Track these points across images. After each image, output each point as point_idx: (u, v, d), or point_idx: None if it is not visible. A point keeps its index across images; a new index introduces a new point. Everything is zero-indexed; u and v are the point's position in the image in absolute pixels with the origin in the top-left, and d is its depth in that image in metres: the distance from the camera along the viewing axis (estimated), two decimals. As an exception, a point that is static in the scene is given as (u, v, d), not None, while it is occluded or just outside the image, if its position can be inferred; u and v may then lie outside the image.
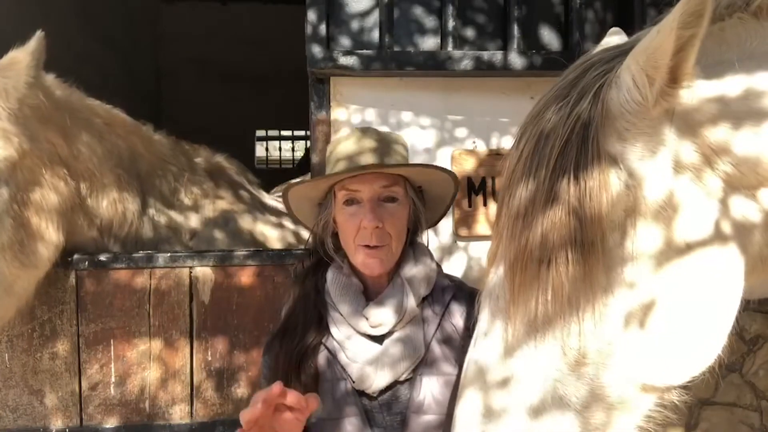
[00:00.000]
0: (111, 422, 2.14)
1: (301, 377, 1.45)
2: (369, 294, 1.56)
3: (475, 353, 1.19)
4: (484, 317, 1.21)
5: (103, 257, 2.14)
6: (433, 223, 1.75)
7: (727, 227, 1.10)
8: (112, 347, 2.14)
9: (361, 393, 1.46)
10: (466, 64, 2.34)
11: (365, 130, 1.65)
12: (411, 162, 1.86)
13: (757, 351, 2.59)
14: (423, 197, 1.64)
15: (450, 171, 1.63)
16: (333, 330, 1.53)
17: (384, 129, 2.36)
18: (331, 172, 1.61)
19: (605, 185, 1.06)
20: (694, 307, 1.10)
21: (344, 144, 1.60)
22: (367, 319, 1.49)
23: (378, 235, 1.48)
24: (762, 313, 2.59)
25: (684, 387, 1.24)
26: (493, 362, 1.14)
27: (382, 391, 1.46)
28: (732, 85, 1.09)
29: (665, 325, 1.09)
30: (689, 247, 1.09)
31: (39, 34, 1.90)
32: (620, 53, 1.12)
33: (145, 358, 2.15)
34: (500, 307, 1.17)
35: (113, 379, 2.14)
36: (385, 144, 1.60)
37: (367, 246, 1.50)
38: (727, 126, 1.08)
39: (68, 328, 2.11)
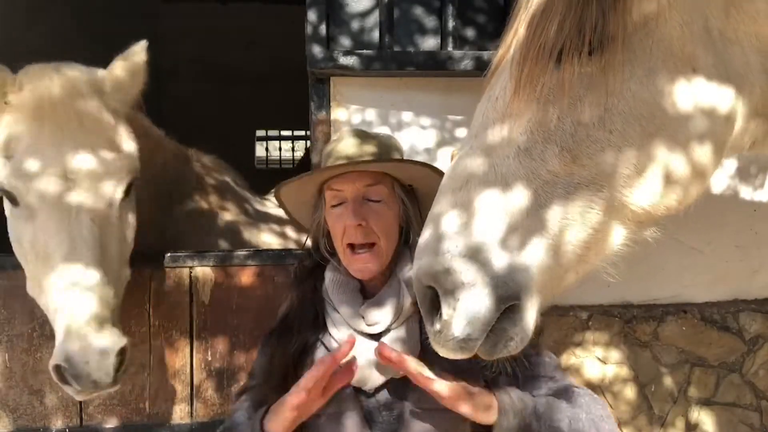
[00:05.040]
0: (111, 422, 2.14)
1: (297, 375, 1.46)
2: (366, 293, 1.57)
3: (463, 153, 1.14)
4: (476, 118, 1.17)
5: (103, 257, 2.14)
6: None
7: (733, 65, 1.09)
8: (112, 347, 2.13)
9: (359, 391, 1.47)
10: (467, 64, 2.34)
11: (361, 134, 1.65)
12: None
13: (757, 351, 2.59)
14: (416, 196, 1.64)
15: (431, 165, 1.62)
16: (332, 329, 1.54)
17: (384, 129, 2.38)
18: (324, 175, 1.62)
19: None
20: (690, 135, 1.08)
21: (340, 146, 1.61)
22: (363, 317, 1.50)
23: (362, 233, 1.50)
24: (762, 313, 2.59)
25: (659, 225, 1.20)
26: (482, 161, 1.09)
27: (379, 389, 1.47)
28: None
29: (662, 149, 1.07)
30: (697, 70, 1.06)
31: (142, 44, 1.99)
32: None
33: (146, 358, 2.15)
34: (498, 108, 1.13)
35: (113, 379, 2.14)
36: (380, 147, 1.60)
37: (352, 245, 1.51)
38: None
39: (68, 328, 2.11)
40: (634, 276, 2.43)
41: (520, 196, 1.05)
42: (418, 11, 2.43)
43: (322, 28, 2.33)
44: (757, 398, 2.60)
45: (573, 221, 1.06)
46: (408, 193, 1.62)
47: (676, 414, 2.56)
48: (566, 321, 2.48)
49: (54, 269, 1.64)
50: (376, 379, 1.45)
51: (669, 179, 1.09)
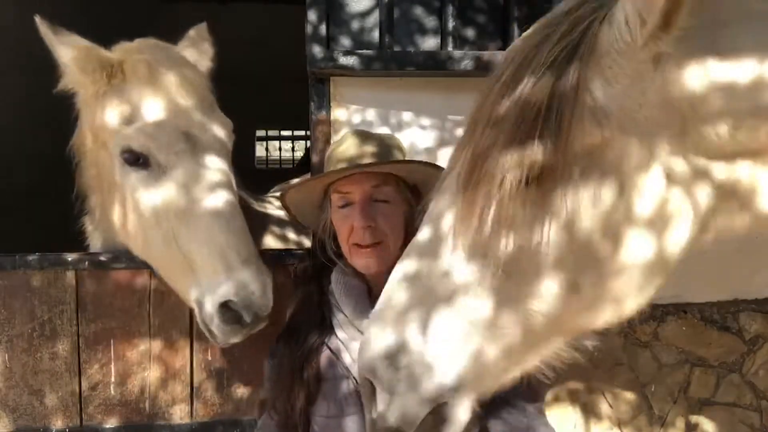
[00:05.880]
0: (111, 422, 2.14)
1: (304, 378, 1.46)
2: (373, 295, 1.56)
3: (406, 268, 1.19)
4: (423, 234, 1.20)
5: (103, 257, 2.14)
6: None
7: (679, 191, 1.09)
8: (112, 347, 2.14)
9: None
10: (467, 64, 2.34)
11: (364, 135, 1.65)
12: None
13: (757, 351, 2.59)
14: (420, 196, 1.64)
15: (436, 165, 1.63)
16: (337, 331, 1.54)
17: (384, 129, 2.38)
18: (327, 169, 1.62)
19: (579, 117, 1.05)
20: (629, 264, 1.09)
21: (342, 148, 1.61)
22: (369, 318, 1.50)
23: (370, 234, 1.50)
24: (762, 313, 2.59)
25: (599, 334, 1.23)
26: (422, 272, 1.14)
27: None
28: (721, 49, 1.06)
29: (596, 269, 1.08)
30: (642, 202, 1.07)
31: (204, 25, 2.29)
32: None
33: (146, 358, 2.15)
34: (442, 224, 1.16)
35: (113, 379, 2.14)
36: (383, 148, 1.60)
37: (359, 245, 1.51)
38: (709, 90, 1.05)
39: (68, 328, 2.11)
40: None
41: (456, 307, 1.11)
42: (418, 11, 2.43)
43: (322, 28, 2.33)
44: (757, 398, 2.61)
45: (507, 332, 1.11)
46: (413, 194, 1.62)
47: (676, 414, 2.56)
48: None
49: (199, 219, 1.73)
50: None
51: (603, 301, 1.12)
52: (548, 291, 1.09)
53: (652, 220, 1.09)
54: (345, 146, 1.62)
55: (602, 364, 2.52)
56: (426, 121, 2.45)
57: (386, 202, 1.55)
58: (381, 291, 1.56)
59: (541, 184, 1.06)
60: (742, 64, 1.04)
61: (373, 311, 1.20)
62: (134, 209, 1.85)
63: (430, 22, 2.43)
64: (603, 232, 1.07)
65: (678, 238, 1.12)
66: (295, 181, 3.86)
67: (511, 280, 1.09)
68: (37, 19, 1.91)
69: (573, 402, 2.53)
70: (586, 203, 1.07)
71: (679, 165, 1.08)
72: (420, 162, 1.65)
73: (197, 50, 2.20)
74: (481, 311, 1.10)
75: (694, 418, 2.57)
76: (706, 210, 1.12)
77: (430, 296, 1.13)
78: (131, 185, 1.84)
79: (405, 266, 1.19)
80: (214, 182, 1.81)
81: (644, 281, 1.13)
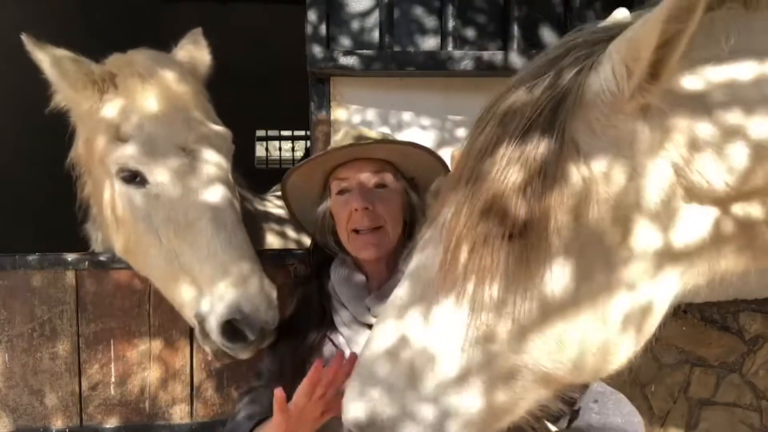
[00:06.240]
0: (111, 422, 2.14)
1: (305, 373, 1.46)
2: (372, 288, 1.58)
3: (390, 307, 1.15)
4: (408, 274, 1.17)
5: (103, 257, 2.14)
6: None
7: (674, 243, 1.06)
8: (112, 347, 2.14)
9: None
10: (467, 64, 2.34)
11: (361, 132, 1.68)
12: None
13: (757, 351, 2.59)
14: (418, 189, 1.66)
15: (434, 153, 1.65)
16: (339, 324, 1.56)
17: (384, 129, 2.38)
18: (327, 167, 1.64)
19: (563, 174, 1.01)
20: (618, 310, 1.07)
21: (340, 137, 1.65)
22: (369, 309, 1.52)
23: (369, 217, 1.51)
24: (762, 313, 2.59)
25: (584, 385, 1.23)
26: (408, 325, 1.11)
27: None
28: (712, 88, 1.02)
29: (581, 326, 1.06)
30: (634, 256, 1.04)
31: (199, 30, 2.22)
32: (606, 38, 1.06)
33: (146, 358, 2.15)
34: (425, 276, 1.13)
35: (113, 379, 2.14)
36: (381, 137, 1.64)
37: (358, 231, 1.52)
38: (703, 136, 1.01)
39: (68, 328, 2.11)
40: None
41: (437, 364, 1.07)
42: (418, 11, 2.43)
43: (322, 28, 2.33)
44: (757, 398, 2.60)
45: (496, 387, 1.08)
46: (411, 185, 1.64)
47: (676, 414, 2.56)
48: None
49: (201, 235, 1.70)
50: None
51: (593, 356, 1.10)
52: (534, 342, 1.07)
53: (641, 290, 1.08)
54: (342, 136, 1.66)
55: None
56: (426, 121, 2.45)
57: (384, 188, 1.57)
58: (378, 280, 1.58)
59: (523, 240, 1.03)
60: (729, 120, 1.01)
61: (360, 359, 1.17)
62: (133, 227, 1.81)
63: (430, 22, 2.43)
64: (594, 313, 1.05)
65: (658, 313, 1.15)
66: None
67: (497, 337, 1.06)
68: (24, 37, 1.86)
69: (573, 402, 2.53)
70: (566, 272, 1.03)
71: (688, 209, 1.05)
72: (418, 146, 1.66)
73: (192, 57, 2.15)
74: (468, 368, 1.07)
75: (694, 418, 2.56)
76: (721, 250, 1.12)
77: (414, 354, 1.09)
78: (129, 203, 1.80)
79: (389, 320, 1.14)
80: (213, 197, 1.77)
81: (632, 339, 1.13)
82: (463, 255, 1.06)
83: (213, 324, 1.66)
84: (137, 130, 1.79)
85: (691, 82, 1.02)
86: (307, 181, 1.69)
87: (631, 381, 2.53)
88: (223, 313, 1.63)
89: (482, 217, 1.04)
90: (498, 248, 1.03)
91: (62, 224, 2.42)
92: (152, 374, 2.16)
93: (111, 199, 1.88)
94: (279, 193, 3.41)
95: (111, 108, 1.85)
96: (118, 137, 1.80)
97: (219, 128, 1.97)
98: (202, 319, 1.69)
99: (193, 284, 1.71)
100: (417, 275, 1.15)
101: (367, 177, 1.57)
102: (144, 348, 2.15)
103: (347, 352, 1.52)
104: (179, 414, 2.17)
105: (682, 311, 2.55)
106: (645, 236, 1.04)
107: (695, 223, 1.06)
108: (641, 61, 0.94)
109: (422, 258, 1.16)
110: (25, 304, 2.10)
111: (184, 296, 1.76)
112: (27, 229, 3.86)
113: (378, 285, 1.57)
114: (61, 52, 1.89)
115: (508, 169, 1.02)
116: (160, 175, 1.76)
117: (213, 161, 1.87)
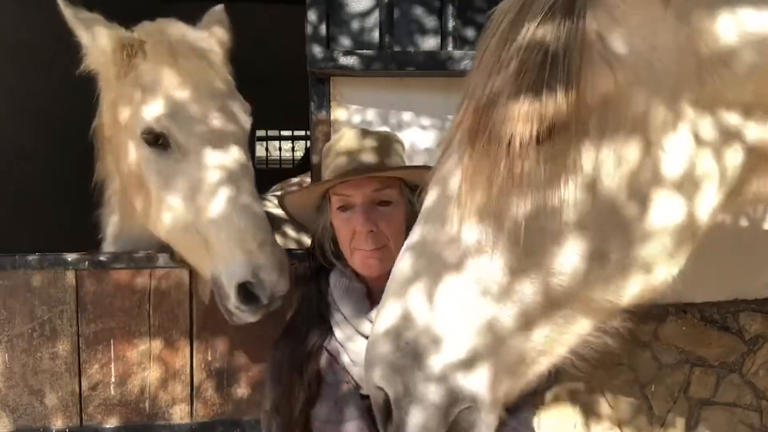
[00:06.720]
0: (111, 422, 2.14)
1: (303, 380, 1.45)
2: (373, 297, 1.55)
3: (414, 238, 1.09)
4: (430, 199, 1.10)
5: (103, 257, 2.14)
6: None
7: (709, 152, 0.99)
8: (112, 347, 2.14)
9: (364, 396, 1.46)
10: (467, 64, 2.34)
11: (363, 130, 1.65)
12: (410, 162, 1.86)
13: (757, 351, 2.59)
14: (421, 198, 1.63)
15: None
16: (337, 333, 1.53)
17: (384, 129, 2.38)
18: (326, 172, 1.62)
19: (588, 62, 0.94)
20: (661, 219, 0.99)
21: (342, 143, 1.61)
22: (371, 321, 1.49)
23: (373, 239, 1.48)
24: (762, 313, 2.59)
25: (629, 314, 1.13)
26: (434, 250, 1.04)
27: None
28: None
29: (623, 233, 0.98)
30: (670, 163, 0.98)
31: (221, 7, 2.29)
32: None
33: (145, 358, 2.15)
34: (446, 198, 1.06)
35: (113, 379, 2.14)
36: (383, 144, 1.60)
37: (363, 250, 1.50)
38: (723, 28, 0.94)
39: (68, 328, 2.11)
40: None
41: (470, 296, 1.00)
42: (418, 11, 2.43)
43: (322, 28, 2.33)
44: (757, 398, 2.60)
45: (532, 319, 1.00)
46: (414, 193, 1.61)
47: (676, 414, 2.56)
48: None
49: (220, 201, 1.75)
50: None
51: (630, 271, 1.01)
52: (569, 260, 0.97)
53: (680, 182, 0.98)
54: (344, 141, 1.60)
55: (602, 364, 2.51)
56: (426, 121, 2.45)
57: (388, 205, 1.53)
58: (381, 293, 1.56)
59: (556, 141, 0.95)
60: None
61: (380, 309, 1.12)
62: (154, 190, 1.87)
63: (430, 22, 2.43)
64: (629, 193, 0.97)
65: (708, 200, 1.02)
66: (294, 180, 3.86)
67: (530, 257, 0.98)
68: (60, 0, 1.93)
69: (573, 402, 2.53)
70: (608, 162, 0.96)
71: (707, 124, 0.98)
72: (420, 167, 1.64)
73: (213, 34, 2.21)
74: (501, 297, 0.99)
75: (694, 418, 2.56)
76: (738, 172, 1.03)
77: (441, 288, 1.01)
78: (151, 166, 1.86)
79: (411, 256, 1.08)
80: (233, 165, 1.83)
81: (674, 247, 1.02)
82: (488, 161, 0.97)
83: (229, 286, 1.72)
84: (163, 94, 1.86)
85: None
86: (305, 197, 1.70)
87: (631, 381, 2.53)
88: (239, 277, 1.69)
89: (505, 117, 0.95)
90: (527, 152, 0.95)
91: (62, 224, 2.43)
92: (152, 374, 2.15)
93: (132, 163, 1.93)
94: (279, 194, 3.42)
95: (139, 72, 1.91)
96: (144, 101, 1.86)
97: (241, 100, 2.06)
98: (218, 282, 1.75)
99: (211, 248, 1.76)
100: (441, 187, 1.07)
101: (371, 195, 1.51)
102: (144, 348, 2.15)
103: (343, 359, 1.51)
104: (179, 414, 2.17)
105: (681, 311, 2.55)
106: (686, 137, 0.97)
107: (730, 137, 0.99)
108: None
109: (446, 168, 1.07)
110: (25, 304, 2.10)
111: (202, 259, 1.82)
112: (27, 229, 3.86)
113: (379, 297, 1.56)
114: (93, 16, 1.97)
115: (529, 61, 0.95)
116: (183, 138, 1.82)
117: (234, 131, 1.93)
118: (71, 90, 2.44)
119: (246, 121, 2.05)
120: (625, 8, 0.97)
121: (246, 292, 1.71)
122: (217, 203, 1.75)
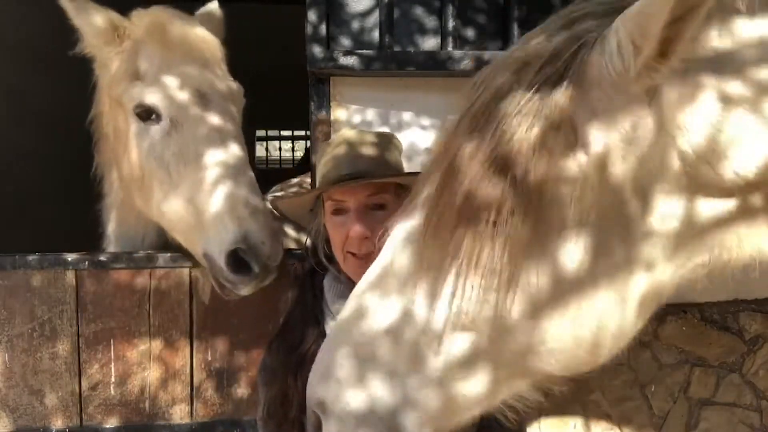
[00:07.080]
0: (111, 422, 2.14)
1: (298, 383, 1.45)
2: None
3: (360, 291, 1.11)
4: (385, 254, 1.10)
5: (103, 257, 2.14)
6: None
7: (662, 230, 1.00)
8: (112, 347, 2.14)
9: None
10: (467, 64, 2.34)
11: (359, 132, 1.64)
12: (409, 162, 1.85)
13: (757, 351, 2.59)
14: None
15: None
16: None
17: (384, 129, 2.38)
18: (320, 176, 1.61)
19: (558, 151, 0.93)
20: (605, 304, 1.00)
21: (336, 149, 1.59)
22: None
23: (366, 244, 1.47)
24: (762, 313, 2.59)
25: (571, 379, 1.13)
26: (380, 308, 1.05)
27: None
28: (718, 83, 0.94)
29: (571, 315, 0.98)
30: (622, 244, 0.98)
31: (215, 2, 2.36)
32: (614, 10, 0.96)
33: (145, 358, 2.15)
34: (405, 258, 1.06)
35: (113, 379, 2.14)
36: (378, 148, 1.58)
37: (355, 254, 1.49)
38: (711, 133, 0.94)
39: (68, 328, 2.11)
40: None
41: (410, 348, 1.01)
42: (418, 11, 2.43)
43: (322, 28, 2.33)
44: (757, 398, 2.60)
45: (467, 379, 1.01)
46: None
47: (676, 414, 2.56)
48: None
49: (209, 168, 1.78)
50: None
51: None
52: (513, 339, 0.99)
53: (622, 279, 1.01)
54: (339, 145, 1.59)
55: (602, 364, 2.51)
56: (426, 121, 2.45)
57: (383, 209, 1.51)
58: None
59: (516, 226, 0.95)
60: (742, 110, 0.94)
61: (327, 340, 1.14)
62: (146, 164, 1.90)
63: (430, 22, 2.43)
64: (568, 284, 0.98)
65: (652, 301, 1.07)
66: (294, 180, 3.86)
67: (475, 325, 0.98)
68: None
69: (573, 402, 2.53)
70: (555, 250, 0.96)
71: (679, 208, 0.99)
72: (414, 173, 1.63)
73: (208, 27, 2.25)
74: (442, 355, 0.99)
75: (694, 418, 2.56)
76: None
77: (384, 338, 1.03)
78: (143, 139, 1.90)
79: (363, 300, 1.10)
80: (223, 136, 1.87)
81: (622, 334, 1.06)
82: (444, 238, 0.98)
83: (219, 255, 1.71)
84: (155, 68, 1.91)
85: (706, 64, 0.94)
86: (297, 202, 1.72)
87: (631, 381, 2.53)
88: (229, 241, 1.69)
89: (461, 207, 0.96)
90: (479, 234, 0.95)
91: (62, 224, 2.43)
92: (152, 374, 2.16)
93: (128, 142, 1.96)
94: (279, 194, 3.42)
95: (132, 50, 1.96)
96: (137, 77, 1.91)
97: (232, 82, 2.11)
98: (210, 255, 1.76)
99: (202, 220, 1.77)
100: (400, 250, 1.07)
101: (365, 200, 1.49)
102: (144, 348, 2.15)
103: None
104: (179, 414, 2.17)
105: (682, 311, 2.55)
106: (663, 212, 0.98)
107: (687, 214, 1.01)
108: (651, 37, 0.87)
109: (406, 230, 1.07)
110: (25, 304, 2.10)
111: (195, 236, 1.82)
112: (27, 229, 3.86)
113: None
114: (89, 2, 2.02)
115: (502, 146, 0.94)
116: (173, 111, 1.86)
117: (225, 107, 1.97)
118: (71, 90, 2.44)
119: (237, 100, 2.09)
120: (606, 102, 0.95)
121: (237, 260, 1.69)
122: (209, 172, 1.78)
